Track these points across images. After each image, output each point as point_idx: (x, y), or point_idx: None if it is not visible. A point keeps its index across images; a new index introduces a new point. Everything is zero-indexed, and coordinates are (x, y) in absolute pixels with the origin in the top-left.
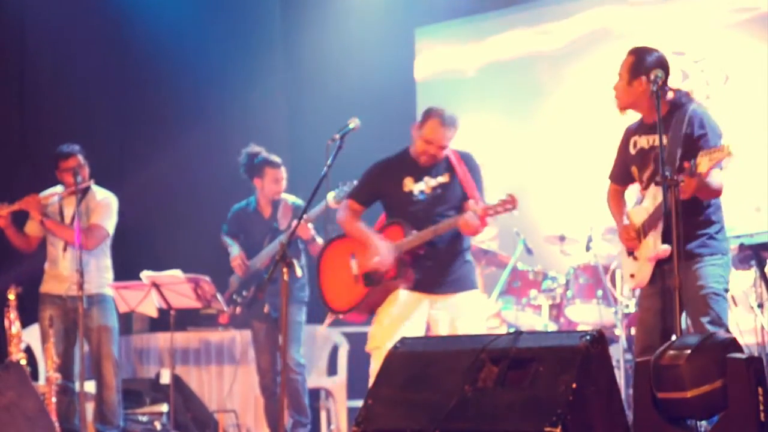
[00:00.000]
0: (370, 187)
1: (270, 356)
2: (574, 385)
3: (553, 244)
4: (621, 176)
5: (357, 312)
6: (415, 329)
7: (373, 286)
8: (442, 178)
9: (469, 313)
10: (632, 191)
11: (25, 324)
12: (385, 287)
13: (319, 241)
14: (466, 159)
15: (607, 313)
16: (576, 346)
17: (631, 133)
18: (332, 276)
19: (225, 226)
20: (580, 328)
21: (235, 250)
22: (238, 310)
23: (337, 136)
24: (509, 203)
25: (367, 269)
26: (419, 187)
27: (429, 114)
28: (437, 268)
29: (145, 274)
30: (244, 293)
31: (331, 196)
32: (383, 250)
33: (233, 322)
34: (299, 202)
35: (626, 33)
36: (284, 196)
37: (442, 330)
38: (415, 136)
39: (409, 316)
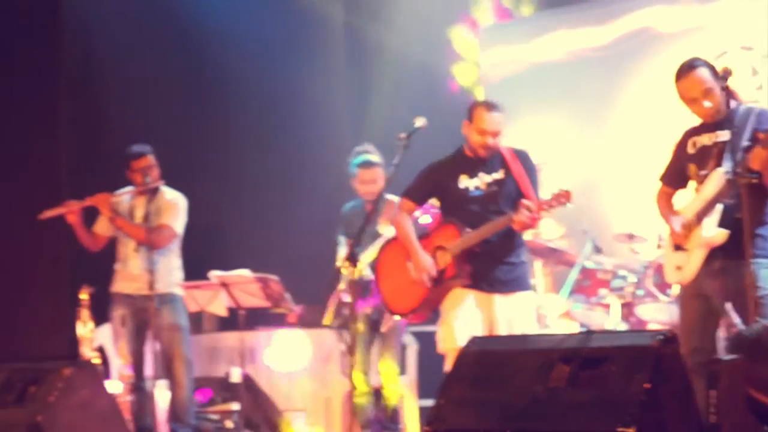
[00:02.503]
0: (425, 185)
1: (364, 357)
2: (646, 385)
3: (623, 242)
4: (673, 178)
5: (417, 313)
6: (480, 328)
7: (434, 287)
8: (497, 174)
9: (525, 314)
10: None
11: (97, 324)
12: (445, 287)
13: None
14: (522, 156)
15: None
16: (648, 346)
17: (690, 134)
18: (390, 278)
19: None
20: (651, 327)
21: (342, 251)
22: (346, 309)
23: (404, 136)
24: (563, 197)
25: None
26: (474, 183)
27: (472, 107)
28: (495, 266)
29: (213, 274)
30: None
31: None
32: (423, 264)
33: (301, 322)
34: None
35: (678, 33)
36: (390, 196)
37: (501, 329)
38: (468, 133)
39: (475, 316)
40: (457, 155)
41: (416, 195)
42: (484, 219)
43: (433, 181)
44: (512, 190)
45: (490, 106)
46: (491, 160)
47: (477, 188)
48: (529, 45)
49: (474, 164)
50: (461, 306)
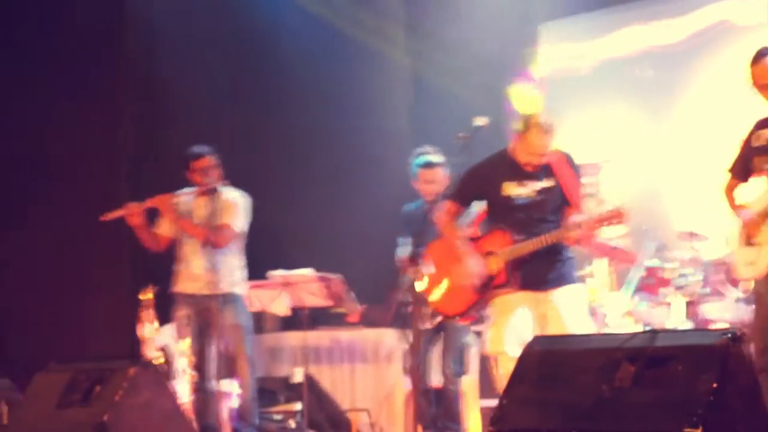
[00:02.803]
0: (469, 189)
1: (421, 358)
2: (714, 385)
3: (685, 240)
4: (741, 170)
5: (464, 317)
6: (531, 328)
7: (483, 293)
8: (545, 183)
9: (576, 306)
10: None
11: (160, 324)
12: (492, 293)
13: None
14: (568, 161)
15: (745, 311)
16: (715, 345)
17: (758, 126)
18: (437, 279)
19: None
20: (716, 326)
21: (400, 251)
22: (409, 308)
23: (464, 135)
24: (616, 217)
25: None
26: (520, 191)
27: (529, 123)
28: (543, 266)
29: (275, 274)
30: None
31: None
32: (472, 270)
33: (364, 321)
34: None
35: (751, 26)
36: None
37: (553, 325)
38: (517, 144)
39: (524, 316)
40: (501, 157)
41: (460, 197)
42: (530, 226)
43: (476, 184)
44: (558, 198)
45: (546, 127)
46: (539, 167)
47: (524, 196)
48: (595, 41)
49: (521, 171)
50: (510, 308)
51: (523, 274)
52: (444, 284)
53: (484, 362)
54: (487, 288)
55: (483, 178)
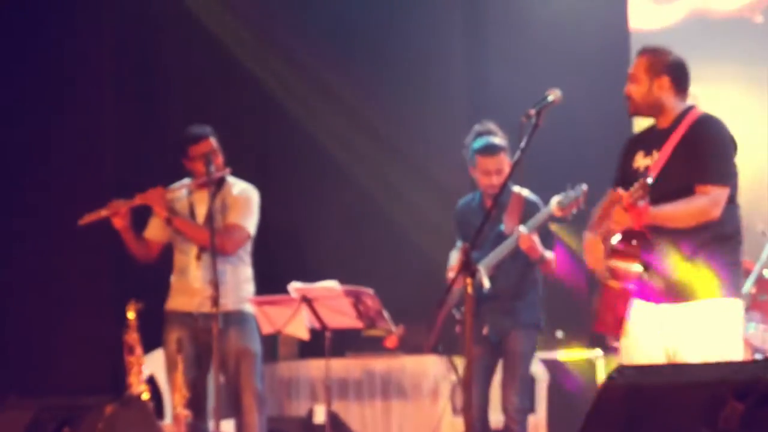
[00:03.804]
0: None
1: (482, 391)
2: None
3: None
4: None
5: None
6: (662, 345)
7: None
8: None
9: (709, 329)
10: None
11: (147, 349)
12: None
13: (549, 256)
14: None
15: None
16: None
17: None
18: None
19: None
20: None
21: (453, 257)
22: (458, 328)
23: (533, 112)
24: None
25: None
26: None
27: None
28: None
29: (294, 287)
30: (463, 309)
31: (555, 201)
32: None
33: (403, 346)
34: (534, 198)
35: None
36: (517, 189)
37: (682, 350)
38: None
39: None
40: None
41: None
42: None
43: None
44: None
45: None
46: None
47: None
48: None
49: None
50: (637, 317)
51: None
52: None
53: (555, 397)
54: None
55: (626, 151)
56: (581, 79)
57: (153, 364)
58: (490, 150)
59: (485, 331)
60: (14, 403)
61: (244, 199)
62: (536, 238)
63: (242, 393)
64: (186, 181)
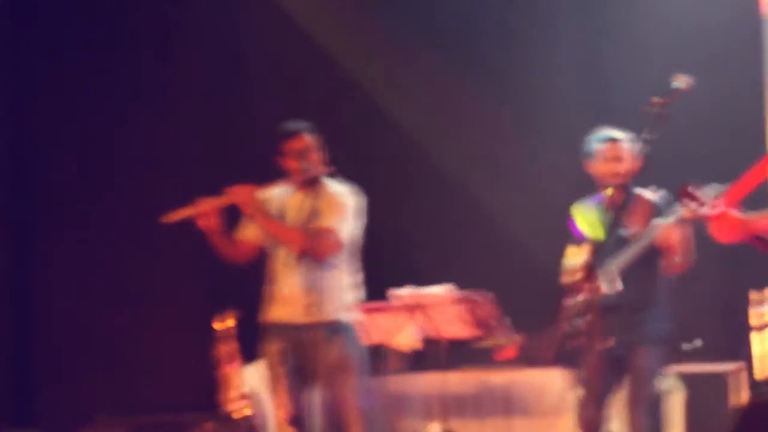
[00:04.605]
0: None
1: (598, 408)
2: None
3: None
4: None
5: None
6: None
7: None
8: None
9: None
10: None
11: (246, 362)
12: None
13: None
14: None
15: None
16: None
17: None
18: None
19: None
20: None
21: (569, 261)
22: (579, 339)
23: (658, 101)
24: None
25: None
26: None
27: None
28: None
29: (399, 293)
30: (584, 318)
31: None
32: None
33: (522, 357)
34: (661, 198)
35: None
36: (639, 191)
37: None
38: None
39: None
40: None
41: None
42: None
43: None
44: None
45: None
46: None
47: None
48: None
49: None
50: None
51: None
52: None
53: (694, 414)
54: None
55: None
56: (708, 70)
57: (252, 379)
58: (613, 138)
59: (608, 343)
60: (105, 422)
61: (340, 203)
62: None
63: (345, 410)
64: (281, 180)
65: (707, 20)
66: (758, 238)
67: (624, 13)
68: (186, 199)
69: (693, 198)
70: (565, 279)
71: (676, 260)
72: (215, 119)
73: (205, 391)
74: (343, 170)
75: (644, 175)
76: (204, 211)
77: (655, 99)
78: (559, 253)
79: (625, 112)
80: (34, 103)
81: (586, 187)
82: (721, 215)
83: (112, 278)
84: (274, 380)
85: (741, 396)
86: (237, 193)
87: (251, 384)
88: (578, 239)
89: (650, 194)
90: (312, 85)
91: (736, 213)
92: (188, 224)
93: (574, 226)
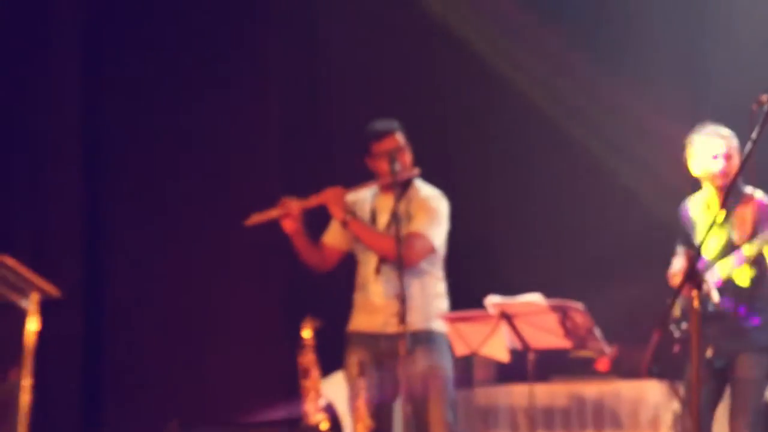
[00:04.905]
0: None
1: (698, 422)
2: None
3: None
4: None
5: None
6: None
7: None
8: None
9: None
10: None
11: (325, 373)
12: None
13: None
14: None
15: None
16: None
17: None
18: None
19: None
20: None
21: (676, 264)
22: (676, 347)
23: (766, 98)
24: None
25: None
26: None
27: None
28: None
29: (492, 301)
30: (684, 325)
31: None
32: None
33: (616, 369)
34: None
35: None
36: (750, 189)
37: None
38: None
39: None
40: None
41: None
42: None
43: None
44: None
45: None
46: None
47: None
48: None
49: None
50: None
51: None
52: None
53: None
54: None
55: None
56: None
57: (332, 390)
58: (719, 132)
59: (709, 353)
60: None
61: (431, 207)
62: None
63: (431, 424)
64: (370, 182)
65: None
66: None
67: (724, 11)
68: (266, 202)
69: None
70: (672, 281)
71: None
72: (296, 117)
73: (286, 403)
74: (428, 174)
75: (753, 176)
76: (290, 212)
77: (764, 96)
78: (658, 261)
79: (725, 113)
80: (110, 93)
81: (686, 190)
82: None
83: (188, 284)
84: (355, 392)
85: None
86: (325, 195)
87: (331, 396)
88: (684, 240)
89: (761, 195)
90: (397, 83)
91: None
92: (271, 227)
93: (681, 226)
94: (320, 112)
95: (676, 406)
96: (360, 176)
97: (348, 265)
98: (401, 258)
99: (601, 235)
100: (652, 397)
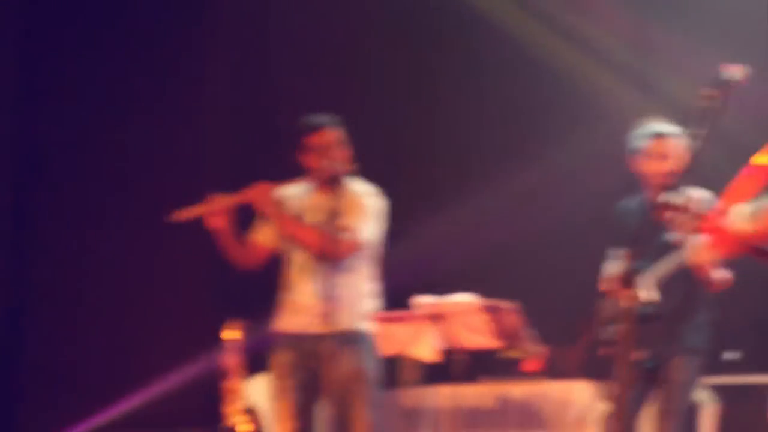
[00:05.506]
0: None
1: (626, 422)
2: None
3: None
4: None
5: None
6: None
7: None
8: None
9: None
10: None
11: (249, 374)
12: None
13: (719, 276)
14: None
15: None
16: None
17: None
18: None
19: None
20: None
21: (610, 268)
22: (603, 349)
23: (711, 93)
24: None
25: None
26: None
27: None
28: None
29: (422, 301)
30: (614, 327)
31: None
32: None
33: (547, 369)
34: (707, 196)
35: None
36: (692, 191)
37: None
38: None
39: None
40: None
41: None
42: None
43: None
44: None
45: None
46: None
47: None
48: None
49: None
50: None
51: None
52: None
53: (733, 427)
54: None
55: None
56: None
57: (255, 392)
58: (661, 133)
59: (639, 355)
60: None
61: (362, 203)
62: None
63: (353, 426)
64: (301, 178)
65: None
66: (756, 249)
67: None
68: (197, 198)
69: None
70: (604, 285)
71: (710, 279)
72: (231, 106)
73: (206, 404)
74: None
75: (692, 175)
76: (216, 209)
77: (706, 91)
78: (593, 261)
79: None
80: (40, 95)
81: (627, 189)
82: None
83: (112, 282)
84: (280, 393)
85: None
86: (253, 191)
87: (254, 398)
88: (617, 242)
89: (699, 196)
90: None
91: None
92: (196, 224)
93: (614, 227)
94: (261, 107)
95: (602, 406)
96: (299, 174)
97: (279, 263)
98: (328, 252)
99: (536, 231)
100: (579, 398)
